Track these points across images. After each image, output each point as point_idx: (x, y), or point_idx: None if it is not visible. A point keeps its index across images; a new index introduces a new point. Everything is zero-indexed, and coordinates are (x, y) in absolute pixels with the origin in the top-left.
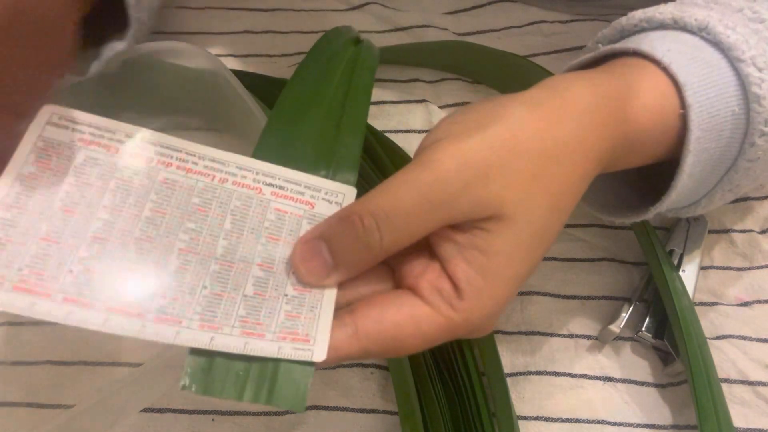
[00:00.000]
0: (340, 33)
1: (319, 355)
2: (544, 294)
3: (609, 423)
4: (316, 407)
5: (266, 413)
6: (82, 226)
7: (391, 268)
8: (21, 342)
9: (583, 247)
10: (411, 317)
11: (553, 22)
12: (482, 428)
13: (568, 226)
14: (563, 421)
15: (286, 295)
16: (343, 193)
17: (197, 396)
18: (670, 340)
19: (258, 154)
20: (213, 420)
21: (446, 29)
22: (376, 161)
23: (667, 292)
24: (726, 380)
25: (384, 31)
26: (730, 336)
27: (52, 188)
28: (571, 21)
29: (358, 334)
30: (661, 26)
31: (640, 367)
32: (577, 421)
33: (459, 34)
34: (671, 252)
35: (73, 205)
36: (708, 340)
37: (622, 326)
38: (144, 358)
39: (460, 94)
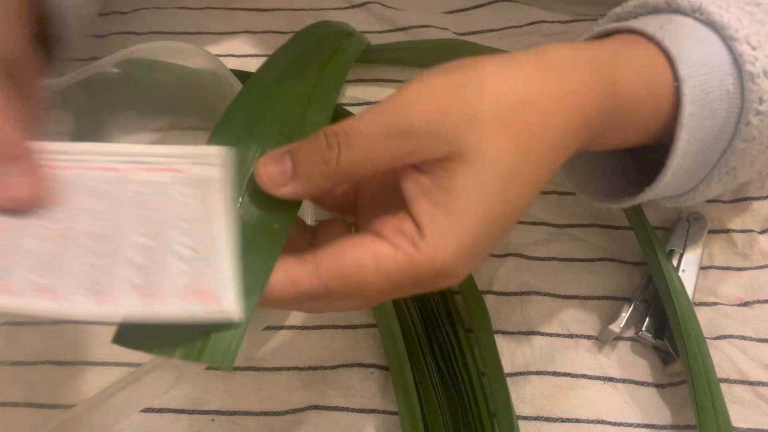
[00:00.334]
0: (330, 24)
1: (228, 306)
2: (544, 294)
3: (609, 423)
4: (316, 407)
5: (266, 413)
6: None
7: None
8: (21, 342)
9: (583, 247)
10: (372, 255)
11: (553, 22)
12: (482, 428)
13: (568, 226)
14: (563, 421)
15: (178, 255)
16: (219, 154)
17: (197, 396)
18: (670, 340)
19: (219, 128)
20: (213, 420)
21: (446, 29)
22: None
23: (666, 292)
24: (726, 380)
25: (384, 31)
26: (730, 336)
27: None
28: (571, 21)
29: (319, 270)
30: (655, 11)
31: (640, 367)
32: (577, 421)
33: (459, 34)
34: (671, 252)
35: None
36: (708, 340)
37: (622, 326)
38: (144, 358)
39: None
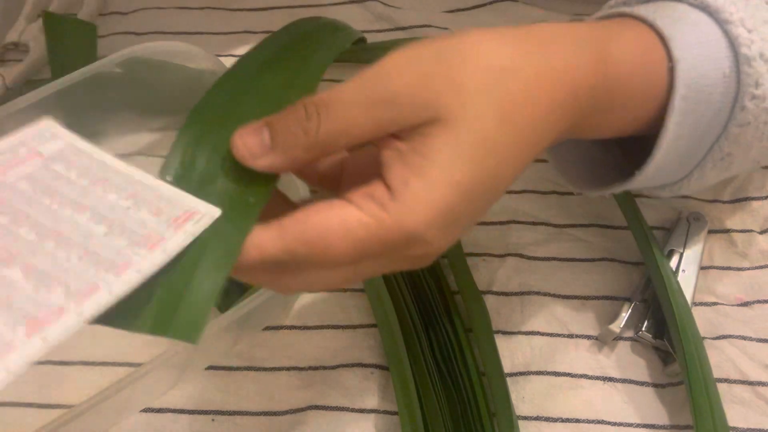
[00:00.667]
0: (320, 19)
1: (204, 208)
2: (544, 294)
3: (609, 423)
4: (316, 407)
5: (266, 413)
6: None
7: None
8: None
9: (583, 247)
10: (339, 218)
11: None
12: (482, 428)
13: (568, 226)
14: (563, 421)
15: (124, 210)
16: (48, 125)
17: (197, 396)
18: (670, 340)
19: (199, 108)
20: (213, 420)
21: (446, 28)
22: None
23: (664, 293)
24: (726, 380)
25: (383, 30)
26: (730, 336)
27: None
28: (571, 21)
29: (283, 233)
30: None
31: (640, 367)
32: (577, 421)
33: None
34: (671, 252)
35: None
36: (708, 340)
37: (622, 326)
38: (144, 358)
39: None
